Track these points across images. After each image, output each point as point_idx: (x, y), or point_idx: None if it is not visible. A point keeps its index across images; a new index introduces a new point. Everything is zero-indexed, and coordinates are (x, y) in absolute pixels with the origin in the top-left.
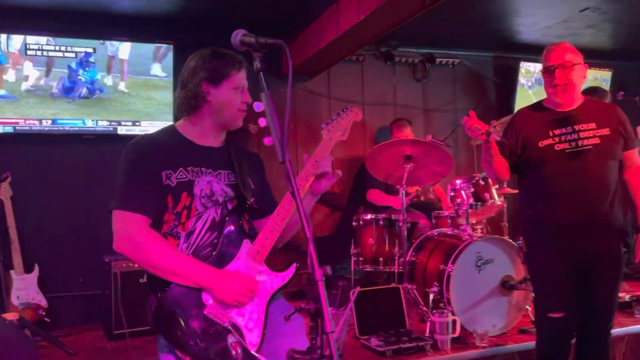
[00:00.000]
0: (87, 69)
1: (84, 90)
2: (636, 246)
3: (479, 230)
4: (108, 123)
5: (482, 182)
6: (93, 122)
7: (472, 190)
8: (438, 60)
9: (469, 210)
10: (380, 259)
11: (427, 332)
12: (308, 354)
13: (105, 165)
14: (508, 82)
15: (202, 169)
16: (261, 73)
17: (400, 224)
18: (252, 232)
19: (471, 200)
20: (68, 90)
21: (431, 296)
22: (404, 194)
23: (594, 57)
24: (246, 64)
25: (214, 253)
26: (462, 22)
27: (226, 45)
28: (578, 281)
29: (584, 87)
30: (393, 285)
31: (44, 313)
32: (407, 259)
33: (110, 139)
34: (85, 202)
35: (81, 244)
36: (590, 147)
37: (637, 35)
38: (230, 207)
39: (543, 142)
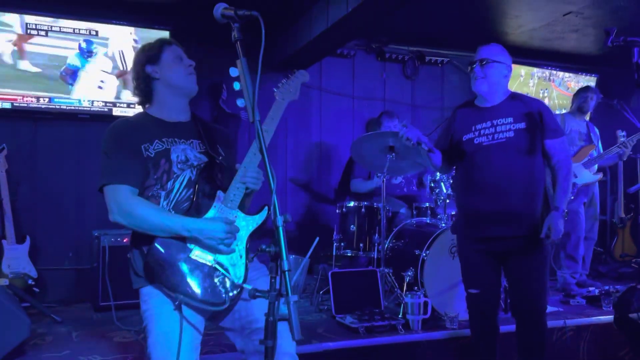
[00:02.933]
0: (89, 59)
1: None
2: (550, 223)
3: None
4: (103, 104)
5: None
6: (89, 102)
7: (451, 181)
8: (427, 58)
9: (447, 201)
10: (361, 245)
11: (401, 313)
12: (267, 291)
13: (98, 145)
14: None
15: (176, 139)
16: (238, 42)
17: (381, 212)
18: (224, 185)
19: (449, 191)
20: (69, 78)
21: (406, 279)
22: (384, 181)
23: (579, 62)
24: (176, 42)
25: (192, 204)
26: (451, 21)
27: (221, 33)
28: (502, 264)
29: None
30: (370, 268)
31: (33, 283)
32: (386, 245)
33: (105, 119)
34: (77, 179)
35: (72, 219)
36: (504, 140)
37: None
38: (203, 168)
39: (466, 137)
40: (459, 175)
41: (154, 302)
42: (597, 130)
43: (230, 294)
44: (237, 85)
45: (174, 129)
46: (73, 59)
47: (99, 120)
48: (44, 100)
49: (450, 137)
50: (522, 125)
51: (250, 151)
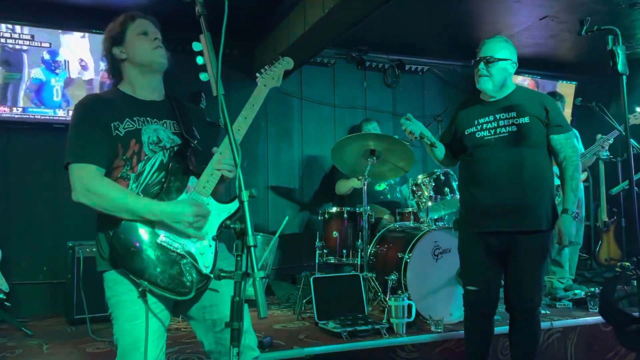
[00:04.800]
0: (56, 71)
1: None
2: (559, 226)
3: (440, 225)
4: None
5: (442, 177)
6: (64, 112)
7: (433, 184)
8: (407, 67)
9: (430, 204)
10: (344, 251)
11: (385, 318)
12: (233, 272)
13: None
14: (475, 91)
15: (148, 118)
16: (202, 17)
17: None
18: (197, 170)
19: (431, 194)
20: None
21: (389, 284)
22: (365, 184)
23: (558, 69)
24: (145, 15)
25: (163, 188)
26: (429, 29)
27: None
28: (501, 258)
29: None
30: (353, 273)
31: (4, 297)
32: (369, 250)
33: None
34: (53, 190)
35: (48, 231)
36: (506, 134)
37: (597, 47)
38: (176, 151)
39: (468, 131)
40: (462, 170)
41: (118, 288)
42: (576, 132)
43: (197, 284)
44: (200, 60)
45: (147, 108)
46: (37, 73)
47: None
48: (18, 110)
49: (453, 131)
50: (525, 119)
51: (227, 137)
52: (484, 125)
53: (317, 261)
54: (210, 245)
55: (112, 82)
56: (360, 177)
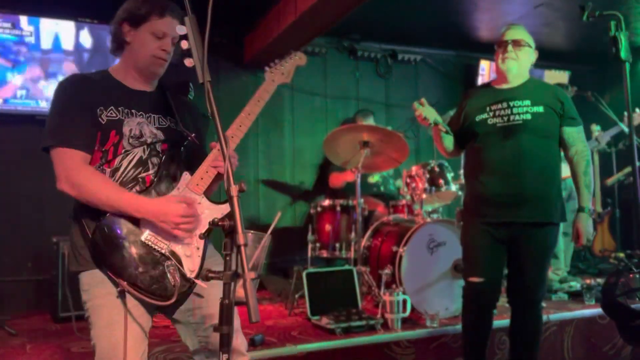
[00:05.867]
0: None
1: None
2: (577, 226)
3: (434, 217)
4: None
5: (437, 169)
6: (47, 102)
7: (427, 176)
8: (400, 56)
9: (424, 196)
10: (337, 245)
11: (379, 313)
12: (221, 272)
13: None
14: (468, 80)
15: (133, 110)
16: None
17: (357, 209)
18: (191, 166)
19: (426, 186)
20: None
21: (384, 278)
22: (358, 176)
23: (551, 58)
24: (178, 14)
25: (153, 184)
26: (422, 17)
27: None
28: (507, 249)
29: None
30: (346, 267)
31: None
32: (363, 244)
33: None
34: (37, 184)
35: (32, 227)
36: (520, 122)
37: (591, 35)
38: (159, 148)
39: (479, 117)
40: (471, 158)
41: (95, 292)
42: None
43: (180, 289)
44: (184, 44)
45: (135, 99)
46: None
47: None
48: None
49: (462, 118)
50: (539, 108)
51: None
52: (497, 112)
53: (309, 255)
54: (197, 248)
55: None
56: (353, 169)
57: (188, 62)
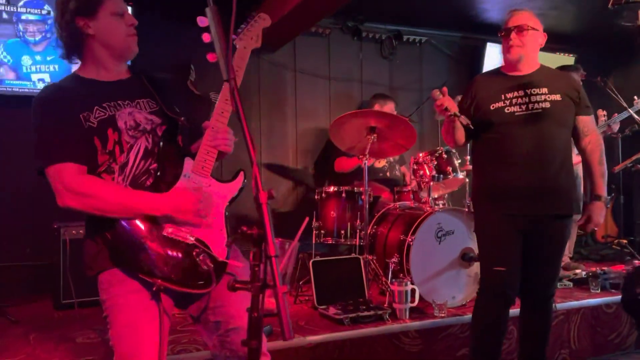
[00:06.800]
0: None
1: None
2: (591, 214)
3: (441, 205)
4: None
5: (444, 156)
6: (42, 82)
7: (435, 163)
8: (405, 37)
9: (432, 183)
10: (342, 232)
11: (387, 302)
12: (250, 282)
13: None
14: (474, 63)
15: (119, 102)
16: None
17: (363, 196)
18: (191, 153)
19: (433, 173)
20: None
21: (391, 267)
22: (365, 164)
23: (558, 41)
24: None
25: (157, 176)
26: None
27: (188, 7)
28: (523, 242)
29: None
30: (353, 255)
31: None
32: (369, 231)
33: None
34: (32, 169)
35: (29, 211)
36: (540, 110)
37: (599, 19)
38: (160, 132)
39: (495, 105)
40: (485, 148)
41: (115, 290)
42: None
43: (216, 272)
44: (206, 38)
45: (115, 90)
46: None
47: None
48: None
49: (472, 107)
50: (557, 97)
51: (216, 111)
52: (514, 100)
53: (313, 242)
54: (220, 230)
55: (61, 54)
56: (360, 157)
57: (211, 56)
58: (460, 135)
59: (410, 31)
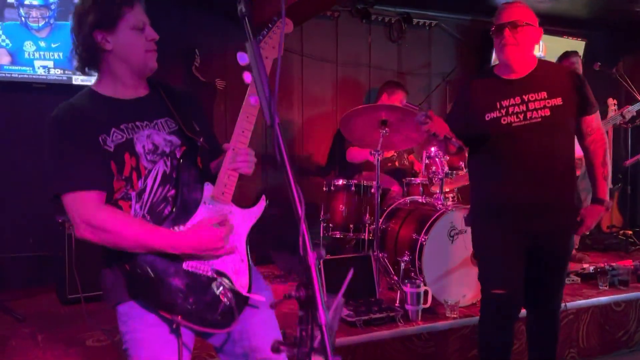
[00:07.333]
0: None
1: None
2: (586, 218)
3: (450, 199)
4: (62, 71)
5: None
6: (44, 69)
7: (447, 158)
8: (415, 20)
9: (444, 179)
10: (351, 226)
11: (397, 301)
12: (296, 345)
13: None
14: (485, 47)
15: (137, 123)
16: (246, 18)
17: (373, 190)
18: (210, 175)
19: (446, 169)
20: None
21: (402, 265)
22: (378, 160)
23: (569, 26)
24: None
25: (176, 204)
26: None
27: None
28: (526, 258)
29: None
30: (364, 253)
31: None
32: (377, 224)
33: (63, 89)
34: (36, 158)
35: (30, 201)
36: (539, 119)
37: (611, 4)
38: (179, 155)
39: (490, 115)
40: (481, 161)
41: (134, 325)
42: None
43: (238, 309)
44: (247, 78)
45: (133, 110)
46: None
47: (57, 90)
48: None
49: (465, 114)
50: (558, 101)
51: (237, 130)
52: (510, 109)
53: (322, 235)
54: (242, 260)
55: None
56: (373, 152)
57: (253, 99)
58: (453, 150)
59: (420, 14)
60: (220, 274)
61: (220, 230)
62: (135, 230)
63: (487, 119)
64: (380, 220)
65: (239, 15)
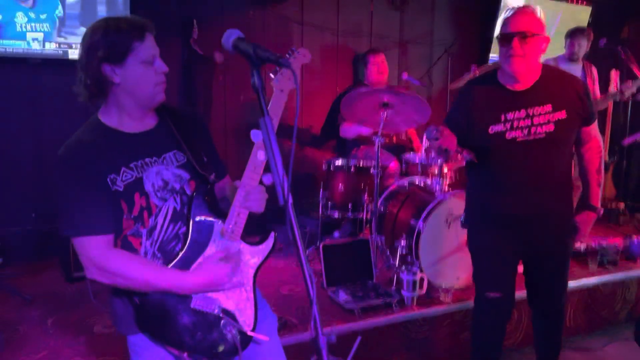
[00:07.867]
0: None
1: None
2: (580, 225)
3: (448, 178)
4: (57, 45)
5: None
6: (39, 43)
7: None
8: None
9: (446, 170)
10: (349, 205)
11: (394, 284)
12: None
13: (55, 93)
14: (489, 13)
15: (146, 160)
16: (260, 92)
17: (372, 171)
18: (219, 209)
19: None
20: None
21: (399, 250)
22: (379, 145)
23: None
24: (151, 25)
25: (187, 242)
26: None
27: None
28: (526, 265)
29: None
30: (363, 237)
31: None
32: (377, 208)
33: (59, 63)
34: (34, 132)
35: (31, 176)
36: (542, 135)
37: None
38: (189, 191)
39: (494, 128)
40: (480, 173)
41: (146, 355)
42: (594, 71)
43: (242, 346)
44: (261, 155)
45: (141, 146)
46: None
47: (53, 65)
48: None
49: (466, 122)
50: (562, 114)
51: (249, 167)
52: (514, 123)
53: (320, 213)
54: (247, 298)
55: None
56: (373, 137)
57: (266, 179)
58: (462, 163)
59: None
60: (226, 312)
61: (226, 267)
62: (143, 273)
63: (490, 132)
64: (379, 201)
65: (253, 89)
